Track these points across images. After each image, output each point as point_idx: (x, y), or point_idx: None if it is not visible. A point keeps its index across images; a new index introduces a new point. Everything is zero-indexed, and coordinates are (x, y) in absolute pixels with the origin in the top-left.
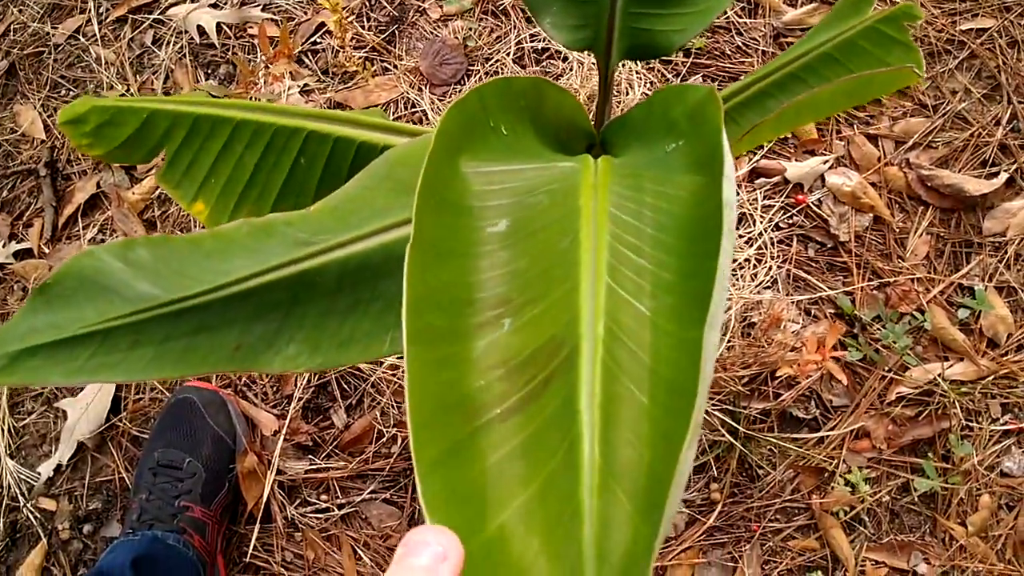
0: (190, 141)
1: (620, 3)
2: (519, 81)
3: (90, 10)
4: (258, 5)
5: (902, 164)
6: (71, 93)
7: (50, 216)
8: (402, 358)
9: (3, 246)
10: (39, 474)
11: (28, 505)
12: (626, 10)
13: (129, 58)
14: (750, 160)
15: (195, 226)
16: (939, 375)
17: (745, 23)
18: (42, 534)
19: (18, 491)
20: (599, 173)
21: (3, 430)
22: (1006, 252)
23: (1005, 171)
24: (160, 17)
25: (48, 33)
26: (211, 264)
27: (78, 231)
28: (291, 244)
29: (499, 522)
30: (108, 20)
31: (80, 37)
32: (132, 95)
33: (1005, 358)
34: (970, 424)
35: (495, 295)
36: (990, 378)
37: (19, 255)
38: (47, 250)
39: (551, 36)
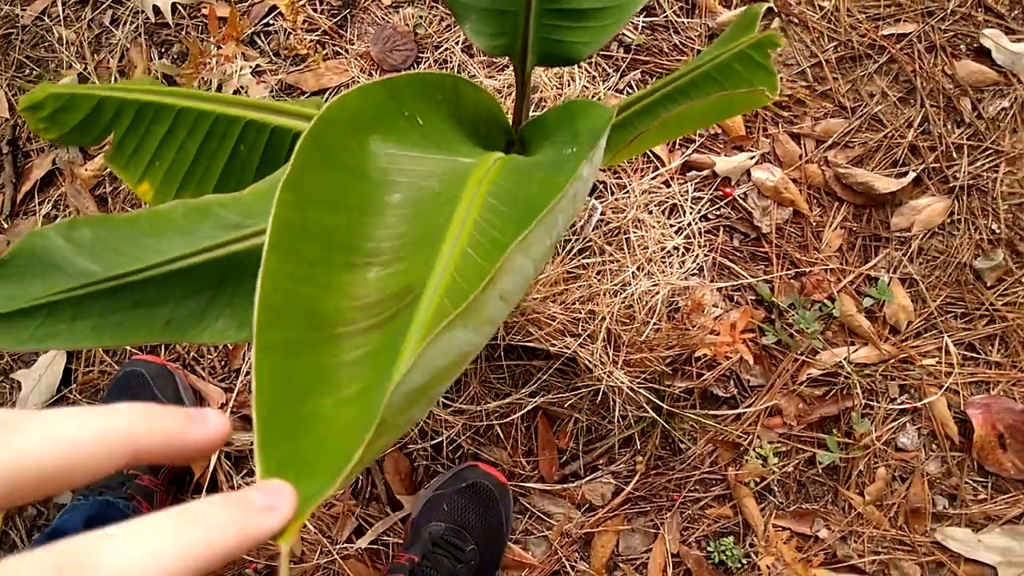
0: (136, 126)
1: (533, 17)
2: (434, 76)
3: None
4: None
5: (821, 162)
6: (34, 73)
7: (10, 192)
8: None
9: None
10: None
11: None
12: (539, 22)
13: (88, 38)
14: (683, 154)
15: (142, 202)
16: (845, 358)
17: (683, 22)
18: None
19: None
20: (491, 170)
21: None
22: (910, 246)
23: (913, 171)
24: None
25: (18, 15)
26: (147, 243)
27: (34, 207)
28: (223, 226)
29: (315, 405)
30: (71, 1)
31: (45, 18)
32: (88, 75)
33: (904, 343)
34: (871, 403)
35: (372, 247)
36: (891, 362)
37: None
38: (6, 226)
39: (472, 40)
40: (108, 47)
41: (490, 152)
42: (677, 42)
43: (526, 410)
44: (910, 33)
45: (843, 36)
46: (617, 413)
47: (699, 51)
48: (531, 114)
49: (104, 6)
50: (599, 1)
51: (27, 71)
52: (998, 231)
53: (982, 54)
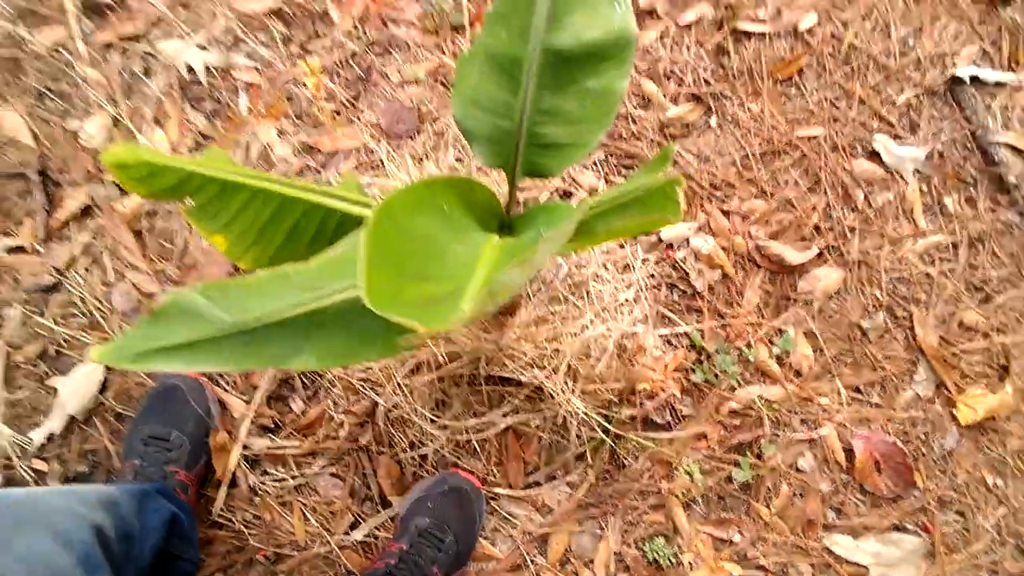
0: (219, 196)
1: (522, 147)
2: (458, 179)
3: (70, 26)
4: (243, 52)
5: (745, 235)
6: (59, 105)
7: (42, 218)
8: (369, 367)
9: None
10: (31, 440)
11: (22, 465)
12: (526, 151)
13: (119, 84)
14: None
15: (176, 238)
16: (758, 395)
17: (639, 115)
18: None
19: (12, 453)
20: (496, 245)
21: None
22: (813, 306)
23: (817, 247)
24: (150, 51)
25: (24, 38)
26: (255, 300)
27: (70, 234)
28: (302, 289)
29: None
30: (95, 43)
31: (63, 52)
32: (121, 118)
33: (805, 384)
34: (777, 432)
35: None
36: (794, 399)
37: (12, 250)
38: (41, 249)
39: (478, 158)
40: (141, 95)
41: (490, 233)
42: (634, 130)
43: (499, 428)
44: (818, 135)
45: (766, 135)
46: (574, 433)
47: (652, 139)
48: (518, 205)
49: (134, 54)
50: (568, 139)
51: (48, 102)
52: (880, 298)
53: (874, 155)
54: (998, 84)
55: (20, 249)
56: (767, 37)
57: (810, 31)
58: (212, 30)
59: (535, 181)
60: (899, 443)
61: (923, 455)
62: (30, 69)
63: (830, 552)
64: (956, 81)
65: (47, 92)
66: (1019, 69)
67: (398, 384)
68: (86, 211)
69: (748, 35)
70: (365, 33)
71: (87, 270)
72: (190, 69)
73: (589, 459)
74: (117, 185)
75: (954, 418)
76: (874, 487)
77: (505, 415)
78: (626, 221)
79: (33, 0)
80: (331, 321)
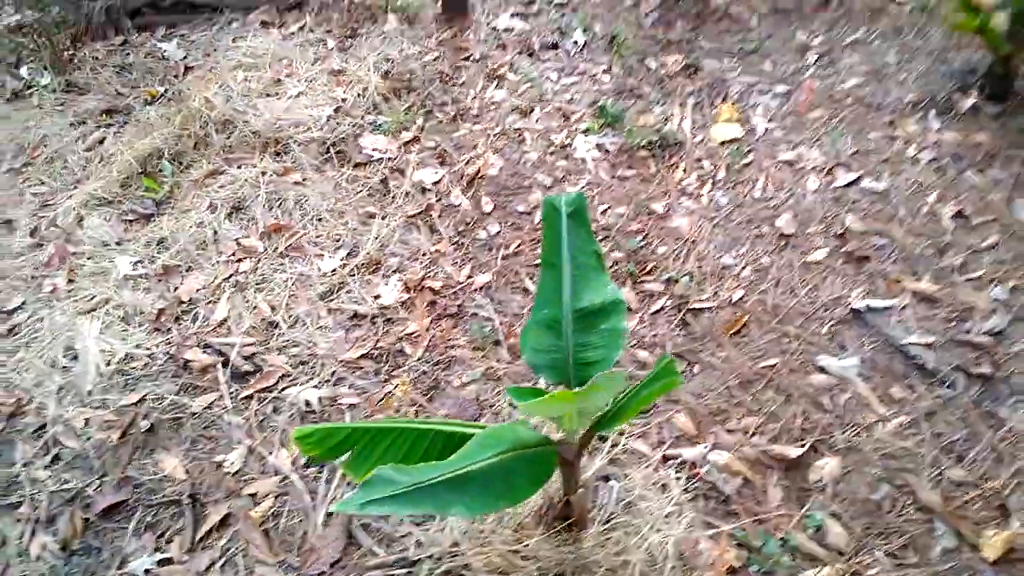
0: (370, 443)
1: (572, 367)
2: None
3: (222, 391)
4: (346, 385)
5: (749, 444)
6: (208, 445)
7: (188, 534)
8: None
9: (148, 556)
10: None
11: None
12: (574, 370)
13: (254, 422)
14: (659, 450)
15: (297, 530)
16: None
17: (639, 373)
18: None
19: None
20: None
21: None
22: (827, 491)
23: (807, 443)
24: (278, 395)
25: (185, 404)
26: (421, 473)
27: (212, 542)
28: (443, 471)
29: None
30: (239, 397)
31: (214, 407)
32: (255, 448)
33: (851, 561)
34: None
35: None
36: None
37: (161, 563)
38: (186, 558)
39: (543, 379)
40: (271, 428)
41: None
42: None
43: None
44: (776, 363)
45: (737, 370)
46: None
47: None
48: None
49: (267, 401)
50: (597, 358)
51: (201, 446)
52: (877, 473)
53: (822, 370)
54: (886, 308)
55: (168, 561)
56: (714, 309)
57: (743, 299)
58: (322, 375)
59: None
60: None
61: None
62: (187, 424)
63: None
64: (856, 312)
65: (200, 438)
66: (900, 294)
67: None
68: (224, 520)
69: (700, 310)
70: (432, 357)
71: (222, 569)
72: (307, 403)
73: None
74: (252, 496)
75: (983, 559)
76: None
77: None
78: (648, 391)
79: (195, 375)
80: (472, 484)
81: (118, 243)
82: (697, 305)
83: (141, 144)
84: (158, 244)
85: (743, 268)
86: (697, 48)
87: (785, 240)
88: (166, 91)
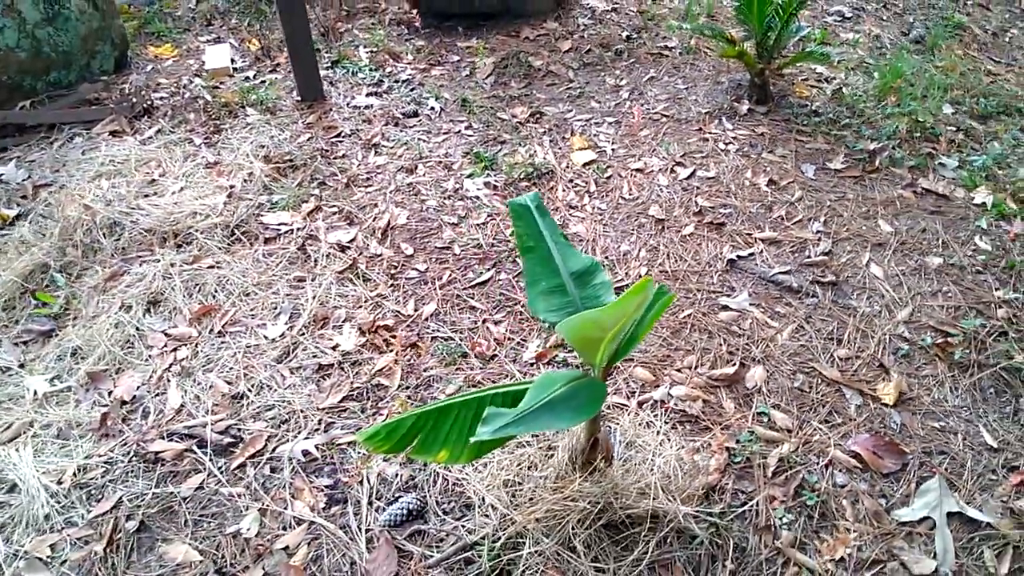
0: (435, 425)
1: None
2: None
3: (209, 469)
4: (337, 427)
5: (696, 375)
6: (214, 522)
7: None
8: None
9: None
10: None
11: None
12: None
13: (258, 485)
14: (633, 399)
15: (343, 566)
16: (777, 456)
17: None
18: None
19: None
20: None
21: None
22: (762, 390)
23: (735, 362)
24: (272, 455)
25: (171, 492)
26: (516, 409)
27: None
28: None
29: None
30: (230, 469)
31: (204, 487)
32: (267, 509)
33: (799, 435)
34: (811, 470)
35: None
36: (800, 448)
37: None
38: None
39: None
40: (277, 486)
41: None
42: None
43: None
44: (691, 312)
45: (666, 324)
46: (697, 540)
47: None
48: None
49: (261, 464)
50: (604, 300)
51: (205, 525)
52: (791, 367)
53: (726, 308)
54: (750, 255)
55: None
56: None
57: (648, 273)
58: (309, 426)
59: None
60: (878, 435)
61: (896, 433)
62: (181, 510)
63: None
64: (731, 262)
65: (201, 519)
66: (754, 243)
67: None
68: None
69: (620, 288)
70: (411, 382)
71: None
72: (305, 453)
73: (712, 549)
74: (284, 549)
75: (886, 405)
76: (879, 467)
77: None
78: (652, 313)
79: (170, 464)
80: (557, 406)
81: (21, 366)
82: (617, 285)
83: (20, 263)
84: (72, 355)
85: (639, 251)
86: (535, 99)
87: (661, 224)
88: (20, 213)
